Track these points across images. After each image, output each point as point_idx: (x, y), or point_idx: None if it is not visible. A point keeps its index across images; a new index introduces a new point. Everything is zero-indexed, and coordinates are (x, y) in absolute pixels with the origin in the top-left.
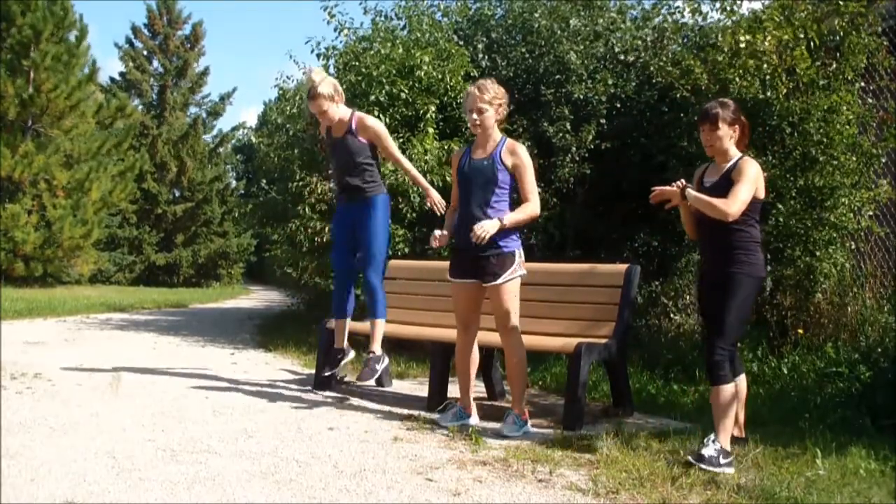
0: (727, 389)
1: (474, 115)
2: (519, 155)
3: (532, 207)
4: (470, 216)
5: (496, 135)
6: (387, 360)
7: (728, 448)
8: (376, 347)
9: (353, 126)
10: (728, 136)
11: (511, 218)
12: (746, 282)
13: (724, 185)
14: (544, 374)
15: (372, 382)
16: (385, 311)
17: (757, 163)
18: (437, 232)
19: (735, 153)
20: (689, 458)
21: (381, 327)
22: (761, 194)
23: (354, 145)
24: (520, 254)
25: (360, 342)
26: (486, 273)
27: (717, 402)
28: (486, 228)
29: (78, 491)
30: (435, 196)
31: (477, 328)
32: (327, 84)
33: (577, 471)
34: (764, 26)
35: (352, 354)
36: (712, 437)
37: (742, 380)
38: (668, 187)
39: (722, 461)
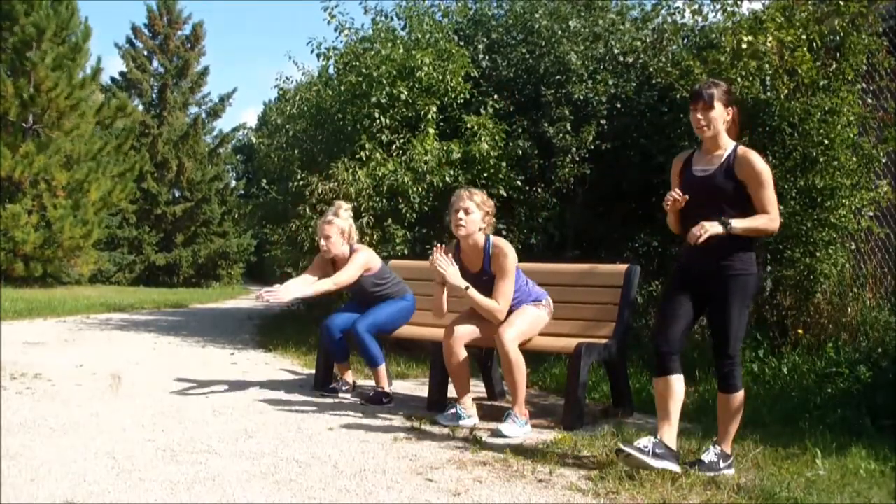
0: (738, 396)
1: (460, 215)
2: (504, 259)
3: (499, 308)
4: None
5: (480, 241)
6: (391, 397)
7: (729, 451)
8: (384, 385)
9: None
10: (722, 118)
11: (484, 301)
12: (750, 281)
13: (725, 180)
14: (544, 374)
15: (369, 392)
16: (381, 357)
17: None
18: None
19: (728, 141)
20: (689, 466)
21: (383, 371)
22: None
23: (366, 283)
24: (545, 311)
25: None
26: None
27: (728, 407)
28: (456, 284)
29: (78, 491)
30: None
31: (467, 334)
32: (347, 221)
33: (577, 471)
34: (765, 27)
35: (351, 383)
36: (714, 442)
37: (679, 380)
38: (706, 225)
39: (722, 465)
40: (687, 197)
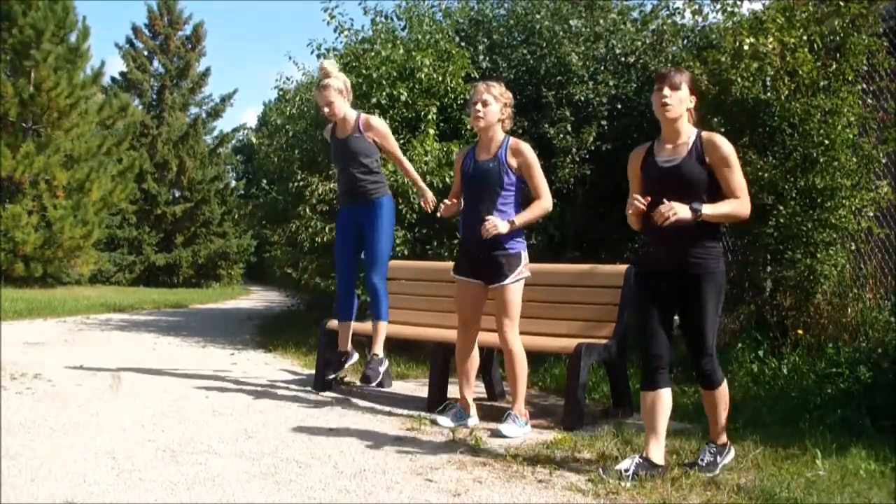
0: (723, 388)
1: (478, 107)
2: (524, 154)
3: (543, 205)
4: (477, 219)
5: (499, 134)
6: (386, 362)
7: (724, 441)
8: (378, 349)
9: (360, 125)
10: (685, 104)
11: (522, 217)
12: (719, 277)
13: (692, 167)
14: (544, 374)
15: (373, 384)
16: (387, 314)
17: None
18: (446, 201)
19: (690, 128)
20: (687, 467)
21: (384, 329)
22: None
23: (360, 144)
24: (525, 255)
25: (361, 342)
26: (492, 273)
27: (715, 402)
28: (496, 225)
29: (78, 491)
30: (429, 195)
31: (478, 328)
32: (339, 78)
33: (577, 471)
34: (766, 27)
35: (356, 357)
36: (707, 442)
37: (668, 393)
38: (674, 206)
39: (720, 460)
40: (649, 199)
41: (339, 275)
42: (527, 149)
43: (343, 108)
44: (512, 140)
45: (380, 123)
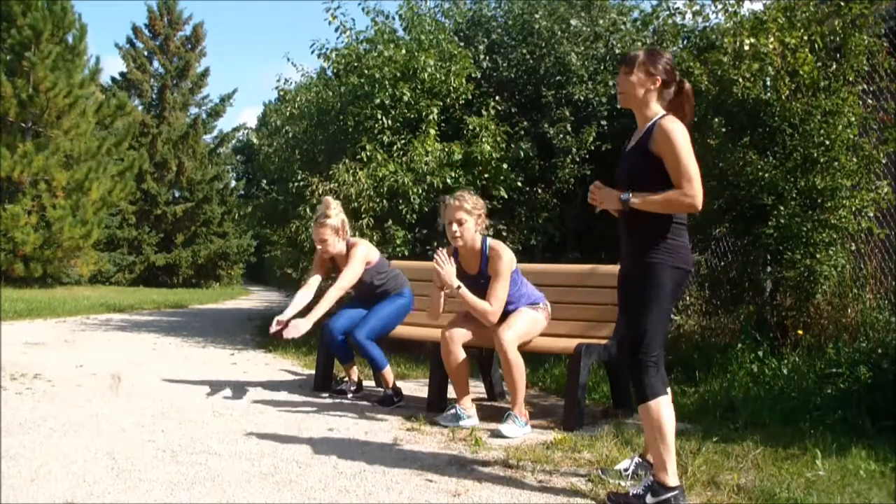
0: (652, 408)
1: (454, 227)
2: (499, 262)
3: (491, 310)
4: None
5: (478, 244)
6: (402, 394)
7: (669, 482)
8: (391, 385)
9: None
10: (643, 87)
11: (466, 296)
12: (668, 273)
13: (640, 155)
14: (544, 375)
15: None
16: (385, 360)
17: (674, 118)
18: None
19: (657, 112)
20: (609, 496)
21: (389, 373)
22: None
23: (367, 277)
24: (544, 307)
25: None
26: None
27: (645, 424)
28: (450, 279)
29: (78, 492)
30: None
31: (466, 333)
32: (337, 217)
33: (577, 472)
34: (768, 27)
35: (361, 392)
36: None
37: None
38: (605, 190)
39: (649, 500)
40: (598, 188)
41: (338, 318)
42: (501, 255)
43: (336, 246)
44: (490, 249)
45: (355, 254)
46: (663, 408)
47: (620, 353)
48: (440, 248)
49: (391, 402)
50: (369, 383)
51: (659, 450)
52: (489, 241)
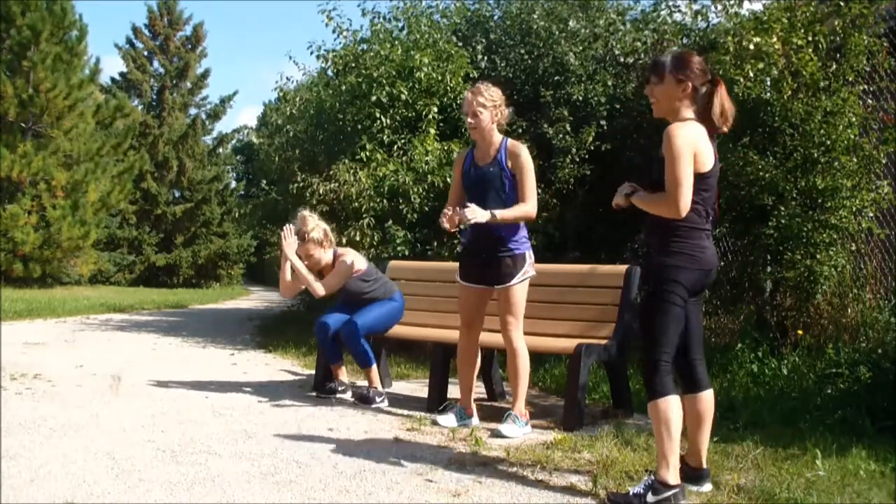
0: (660, 406)
1: (470, 119)
2: (520, 156)
3: (526, 209)
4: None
5: (496, 137)
6: (384, 391)
7: (670, 480)
8: (377, 385)
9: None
10: (674, 97)
11: (503, 213)
12: (683, 275)
13: (660, 159)
14: (544, 375)
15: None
16: (372, 358)
17: (686, 124)
18: (447, 211)
19: (687, 117)
20: (609, 495)
21: (375, 371)
22: (702, 167)
23: (353, 286)
24: (530, 254)
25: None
26: (498, 275)
27: (653, 422)
28: (475, 212)
29: (78, 492)
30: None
31: (480, 329)
32: (319, 230)
33: (577, 471)
34: (771, 27)
35: (349, 394)
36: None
37: (707, 397)
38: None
39: (650, 498)
40: (628, 185)
41: (329, 316)
42: (523, 151)
43: (323, 256)
44: (509, 142)
45: (340, 266)
46: (672, 407)
47: (643, 359)
48: (455, 160)
49: (370, 400)
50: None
51: (664, 448)
52: (508, 141)
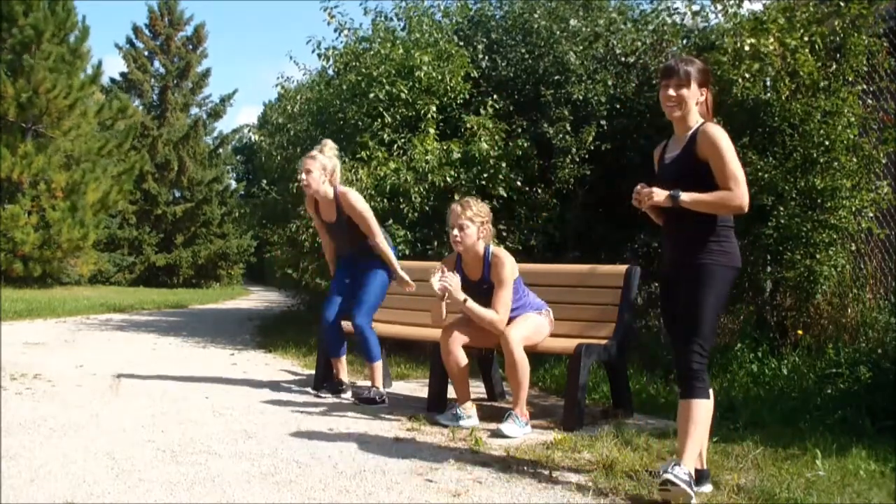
0: (704, 405)
1: (455, 233)
2: (502, 268)
3: (499, 318)
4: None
5: (479, 250)
6: (384, 391)
7: (693, 473)
8: (378, 385)
9: (340, 206)
10: (695, 99)
11: (476, 309)
12: (722, 272)
13: (686, 160)
14: (544, 375)
15: (363, 391)
16: (379, 353)
17: (717, 125)
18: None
19: (697, 120)
20: (659, 489)
21: (379, 368)
22: None
23: (343, 225)
24: (547, 313)
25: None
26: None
27: (691, 418)
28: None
29: (77, 492)
30: (407, 279)
31: (463, 338)
32: (330, 159)
33: (577, 471)
34: (768, 28)
35: (349, 393)
36: (673, 462)
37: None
38: (651, 190)
39: (696, 489)
40: (644, 188)
41: (326, 307)
42: (504, 262)
43: (321, 185)
44: (492, 255)
45: (356, 200)
46: (710, 408)
47: (682, 356)
48: (442, 263)
49: (370, 400)
50: (368, 383)
51: (694, 443)
52: (492, 248)
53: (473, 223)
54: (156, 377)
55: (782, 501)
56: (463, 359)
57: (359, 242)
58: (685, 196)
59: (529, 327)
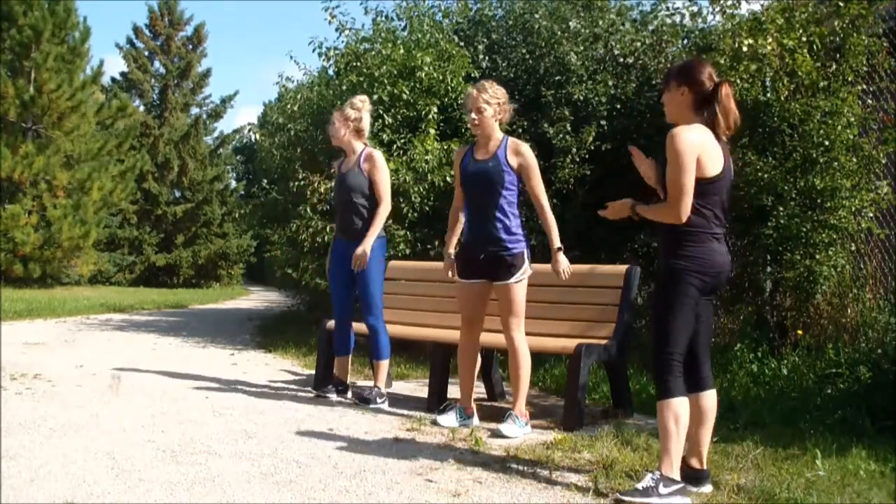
0: (671, 405)
1: (473, 115)
2: (524, 155)
3: (547, 207)
4: (479, 218)
5: (497, 134)
6: (385, 392)
7: (674, 476)
8: (381, 384)
9: (361, 160)
10: (674, 101)
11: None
12: (686, 277)
13: (665, 164)
14: (544, 375)
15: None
16: (388, 352)
17: (690, 127)
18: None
19: (676, 122)
20: (619, 495)
21: (385, 367)
22: (708, 171)
23: (357, 180)
24: (527, 254)
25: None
26: (497, 272)
27: (660, 419)
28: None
29: (77, 492)
30: (366, 247)
31: (481, 327)
32: (360, 112)
33: (577, 472)
34: (766, 28)
35: (349, 394)
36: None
37: (710, 396)
38: (617, 202)
39: (662, 490)
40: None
41: (333, 306)
42: (526, 150)
43: (342, 134)
44: (511, 140)
45: (378, 157)
46: (682, 407)
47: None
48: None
49: (370, 400)
50: (368, 383)
51: (670, 446)
52: (510, 139)
53: (490, 105)
54: (156, 377)
55: (782, 501)
56: (478, 357)
57: (354, 206)
58: (640, 208)
59: (521, 310)
